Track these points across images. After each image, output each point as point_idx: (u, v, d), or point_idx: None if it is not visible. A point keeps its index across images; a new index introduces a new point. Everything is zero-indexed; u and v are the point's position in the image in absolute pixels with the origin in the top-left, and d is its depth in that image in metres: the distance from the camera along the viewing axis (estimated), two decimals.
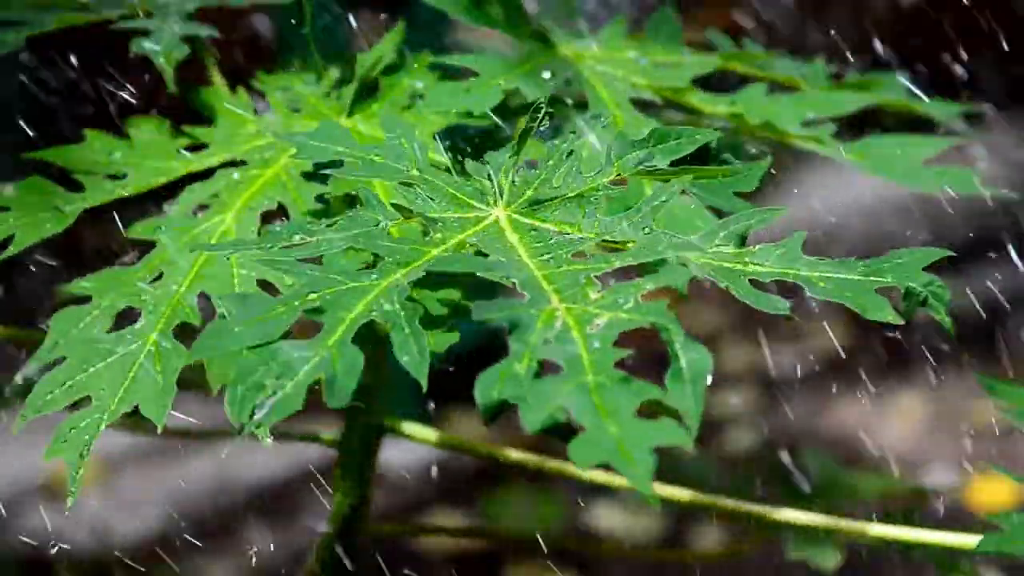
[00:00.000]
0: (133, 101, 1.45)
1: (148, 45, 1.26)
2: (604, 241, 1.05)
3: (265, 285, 1.14)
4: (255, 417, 0.94)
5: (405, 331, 0.98)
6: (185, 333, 1.12)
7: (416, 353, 0.98)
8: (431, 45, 1.32)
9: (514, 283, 0.99)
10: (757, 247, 1.03)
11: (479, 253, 1.04)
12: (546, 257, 1.03)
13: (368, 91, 1.29)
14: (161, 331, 1.12)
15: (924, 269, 1.03)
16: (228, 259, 1.15)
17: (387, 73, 1.30)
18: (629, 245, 1.04)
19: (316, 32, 1.35)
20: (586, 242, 1.04)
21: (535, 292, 0.99)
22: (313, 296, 0.99)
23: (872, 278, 1.01)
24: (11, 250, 1.18)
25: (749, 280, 1.01)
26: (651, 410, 0.91)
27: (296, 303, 0.99)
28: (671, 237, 1.04)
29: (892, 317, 0.99)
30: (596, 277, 1.00)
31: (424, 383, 0.97)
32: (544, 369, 0.94)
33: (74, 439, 1.09)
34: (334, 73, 1.31)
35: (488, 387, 0.92)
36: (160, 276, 1.16)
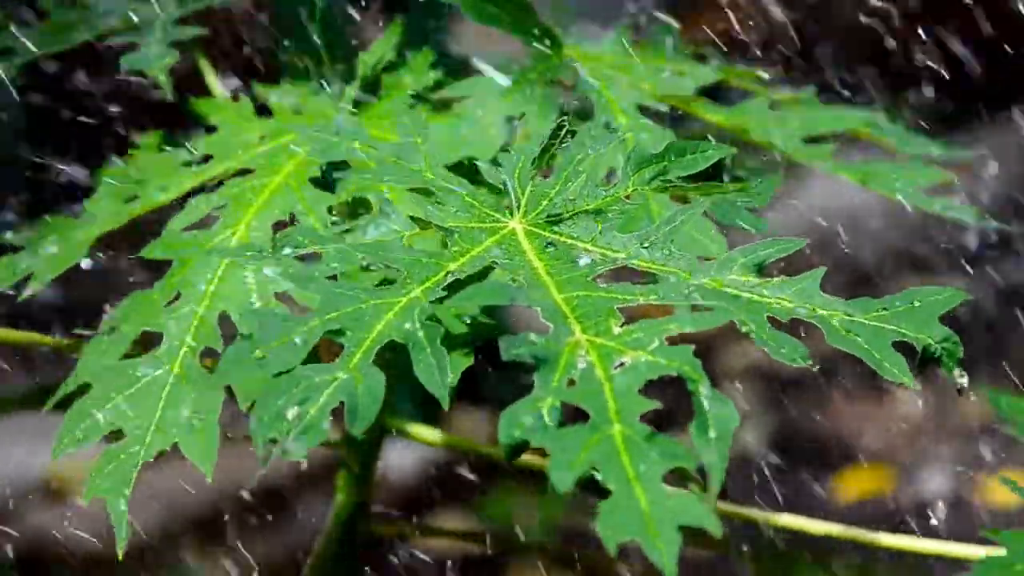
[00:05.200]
0: (132, 112, 1.45)
1: (138, 59, 1.26)
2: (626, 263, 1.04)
3: (282, 297, 1.13)
4: (280, 447, 0.93)
5: (427, 353, 0.97)
6: (208, 355, 1.12)
7: (439, 378, 0.96)
8: (432, 41, 1.32)
9: (537, 310, 0.98)
10: (776, 279, 1.03)
11: (488, 269, 1.03)
12: (566, 277, 1.02)
13: (370, 91, 1.29)
14: (185, 359, 1.11)
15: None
16: (245, 277, 1.14)
17: (388, 72, 1.29)
18: (652, 267, 1.03)
19: (317, 31, 1.35)
20: (608, 264, 1.03)
21: (558, 322, 0.97)
22: (333, 315, 0.98)
23: (889, 327, 1.01)
24: (32, 287, 1.18)
25: (768, 317, 1.00)
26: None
27: (316, 323, 0.98)
28: (689, 261, 1.04)
29: (909, 380, 0.99)
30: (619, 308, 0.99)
31: (446, 406, 0.95)
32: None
33: (113, 480, 1.07)
34: (335, 73, 1.31)
35: (511, 427, 0.91)
36: (178, 297, 1.15)
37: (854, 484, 2.64)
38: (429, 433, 1.31)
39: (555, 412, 0.92)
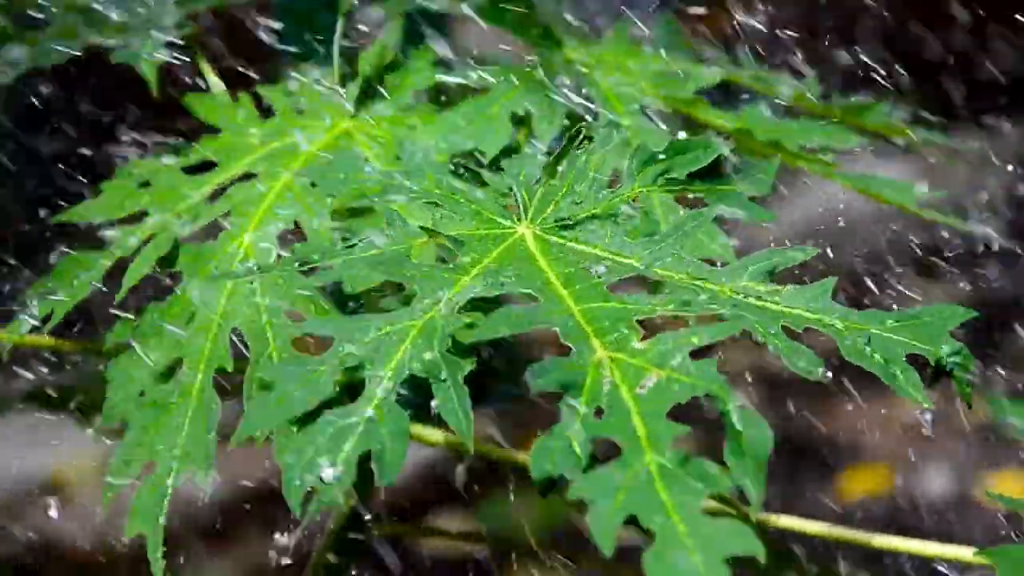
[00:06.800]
0: (135, 118, 1.45)
1: (128, 54, 1.26)
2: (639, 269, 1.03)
3: (291, 314, 1.13)
4: (313, 509, 0.93)
5: (447, 386, 0.95)
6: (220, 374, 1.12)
7: (460, 412, 0.95)
8: (433, 40, 1.32)
9: (556, 329, 0.97)
10: (787, 288, 1.02)
11: (499, 277, 1.02)
12: (581, 288, 1.01)
13: (372, 89, 1.28)
14: (202, 384, 1.11)
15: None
16: (254, 294, 1.13)
17: (390, 70, 1.29)
18: (664, 274, 1.03)
19: (317, 30, 1.35)
20: (622, 272, 1.02)
21: (579, 341, 0.96)
22: (350, 349, 0.96)
23: (902, 339, 1.00)
24: (53, 322, 1.17)
25: (782, 326, 0.99)
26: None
27: (335, 362, 0.96)
28: (700, 267, 1.03)
29: (924, 399, 0.99)
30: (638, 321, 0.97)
31: (471, 445, 0.94)
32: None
33: (149, 513, 1.08)
34: (336, 72, 1.31)
35: (543, 462, 0.90)
36: (192, 317, 1.14)
37: (855, 484, 2.64)
38: (429, 433, 1.30)
39: (585, 443, 0.90)
